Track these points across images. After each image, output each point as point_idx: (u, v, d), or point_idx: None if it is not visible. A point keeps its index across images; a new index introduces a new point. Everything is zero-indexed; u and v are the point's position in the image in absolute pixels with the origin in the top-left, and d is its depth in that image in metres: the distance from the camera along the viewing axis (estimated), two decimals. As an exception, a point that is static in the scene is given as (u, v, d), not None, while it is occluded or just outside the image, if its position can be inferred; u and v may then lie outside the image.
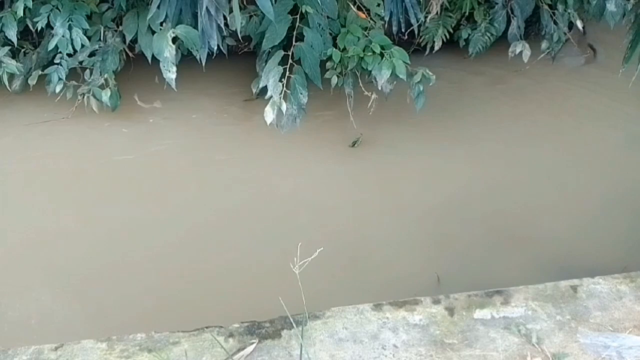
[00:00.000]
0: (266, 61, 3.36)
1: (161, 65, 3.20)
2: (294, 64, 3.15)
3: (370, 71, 3.15)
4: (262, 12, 3.05)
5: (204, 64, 3.15)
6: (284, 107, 3.06)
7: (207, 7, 2.91)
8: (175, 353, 1.55)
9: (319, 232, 2.85)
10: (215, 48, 3.10)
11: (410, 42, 3.85)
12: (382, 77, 3.12)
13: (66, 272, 2.66)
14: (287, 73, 3.12)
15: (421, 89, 3.24)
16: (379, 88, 3.21)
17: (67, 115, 3.47)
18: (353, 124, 3.35)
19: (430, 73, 3.25)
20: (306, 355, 1.52)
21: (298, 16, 3.17)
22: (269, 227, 2.90)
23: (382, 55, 3.13)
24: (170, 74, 3.21)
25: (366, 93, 3.31)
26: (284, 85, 3.10)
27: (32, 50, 3.54)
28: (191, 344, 1.56)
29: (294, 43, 3.17)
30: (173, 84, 3.23)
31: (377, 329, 1.62)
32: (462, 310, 1.68)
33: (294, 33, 3.17)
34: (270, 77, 3.11)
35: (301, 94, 3.14)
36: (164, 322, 1.71)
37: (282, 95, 3.08)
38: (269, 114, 3.06)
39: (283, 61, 3.16)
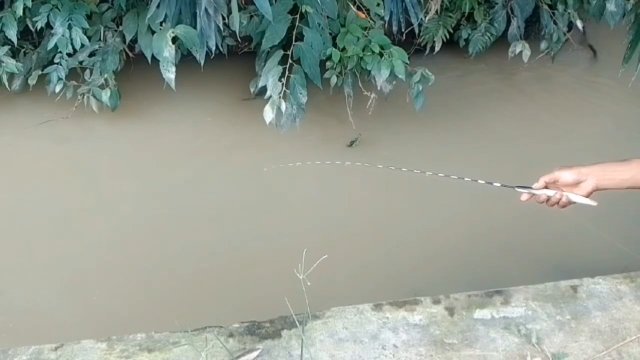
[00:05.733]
0: (265, 61, 3.36)
1: (160, 65, 3.20)
2: (293, 63, 3.15)
3: (370, 71, 3.15)
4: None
5: (202, 64, 3.14)
6: (283, 106, 3.06)
7: (205, 8, 2.91)
8: (175, 353, 1.55)
9: (318, 232, 2.85)
10: (214, 48, 3.10)
11: (410, 42, 3.85)
12: (381, 76, 3.12)
13: (66, 271, 2.66)
14: (287, 73, 3.12)
15: (420, 88, 3.24)
16: (378, 88, 3.21)
17: (67, 115, 3.47)
18: (352, 124, 3.34)
19: (430, 73, 3.25)
20: (307, 355, 1.51)
21: (298, 16, 3.17)
22: (268, 227, 2.90)
23: (381, 55, 3.13)
24: (170, 73, 3.20)
25: (365, 93, 3.31)
26: (284, 85, 3.10)
27: (32, 50, 3.54)
28: (191, 344, 1.56)
29: (293, 43, 3.17)
30: (172, 84, 3.23)
31: (377, 329, 1.62)
32: (462, 310, 1.68)
33: (294, 33, 3.17)
34: (269, 76, 3.10)
35: (301, 93, 3.14)
36: (164, 322, 1.70)
37: (281, 94, 3.08)
38: (268, 114, 3.06)
39: (282, 61, 3.16)
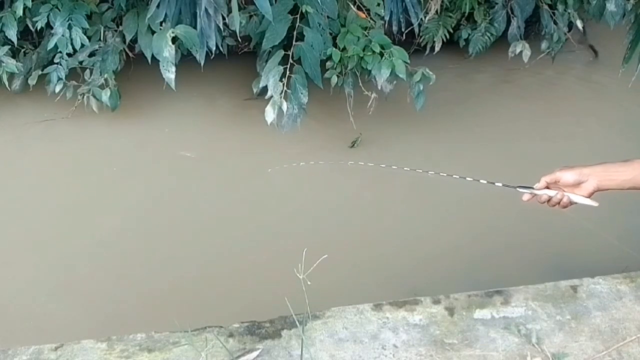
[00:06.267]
0: (266, 61, 3.36)
1: (160, 65, 3.19)
2: (294, 63, 3.14)
3: (370, 71, 3.15)
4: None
5: (202, 64, 3.14)
6: (284, 106, 3.06)
7: (205, 8, 2.91)
8: (175, 353, 1.55)
9: (318, 232, 2.85)
10: (214, 48, 3.09)
11: (410, 42, 3.85)
12: (382, 76, 3.12)
13: (66, 271, 2.66)
14: (288, 73, 3.11)
15: (421, 88, 3.23)
16: (379, 88, 3.21)
17: (67, 115, 3.47)
18: (352, 124, 3.34)
19: (430, 72, 3.24)
20: (307, 355, 1.52)
21: (298, 16, 3.16)
22: (269, 227, 2.89)
23: (381, 54, 3.13)
24: (170, 74, 3.20)
25: (366, 93, 3.30)
26: (285, 85, 3.10)
27: (32, 50, 3.54)
28: (191, 343, 1.56)
29: (294, 43, 3.16)
30: (172, 84, 3.22)
31: (377, 329, 1.62)
32: (462, 310, 1.68)
33: (294, 33, 3.17)
34: (270, 76, 3.10)
35: (302, 93, 3.13)
36: (164, 322, 1.70)
37: (282, 95, 3.08)
38: (270, 114, 3.06)
39: (283, 61, 3.15)
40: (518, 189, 1.66)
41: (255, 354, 1.53)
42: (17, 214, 2.97)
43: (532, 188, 1.64)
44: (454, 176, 1.76)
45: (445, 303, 1.70)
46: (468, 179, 1.74)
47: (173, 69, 3.19)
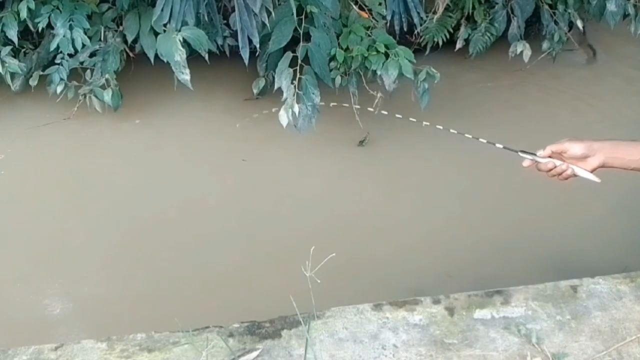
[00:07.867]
0: (267, 61, 3.35)
1: (173, 68, 3.19)
2: (302, 64, 3.14)
3: (375, 70, 3.14)
4: (266, 12, 3.05)
5: (247, 63, 3.13)
6: (296, 108, 3.05)
7: (246, 5, 2.89)
8: (175, 353, 1.55)
9: (324, 231, 2.84)
10: (258, 46, 3.10)
11: (409, 42, 3.85)
12: (390, 77, 3.12)
13: (66, 271, 2.66)
14: (298, 74, 3.11)
15: (426, 87, 3.23)
16: (387, 88, 3.20)
17: (69, 115, 3.47)
18: (359, 123, 3.34)
19: (435, 70, 3.24)
20: (311, 355, 1.52)
21: (303, 16, 3.16)
22: (272, 226, 2.89)
23: (386, 54, 3.12)
24: (185, 75, 3.21)
25: (372, 92, 3.30)
26: (296, 86, 3.09)
27: (32, 50, 3.54)
28: (192, 343, 1.56)
29: (301, 43, 3.16)
30: (189, 85, 3.23)
31: (377, 329, 1.62)
32: (462, 310, 1.68)
33: (300, 33, 3.17)
34: (282, 79, 3.10)
35: (313, 93, 3.13)
36: (164, 322, 1.71)
37: (294, 97, 3.08)
38: (284, 117, 3.05)
39: (291, 62, 3.15)
40: (520, 153, 1.61)
41: (255, 354, 1.53)
42: (19, 214, 2.97)
43: (535, 155, 1.59)
44: (452, 131, 1.72)
45: (445, 303, 1.70)
46: (467, 135, 1.70)
47: (187, 70, 3.20)
